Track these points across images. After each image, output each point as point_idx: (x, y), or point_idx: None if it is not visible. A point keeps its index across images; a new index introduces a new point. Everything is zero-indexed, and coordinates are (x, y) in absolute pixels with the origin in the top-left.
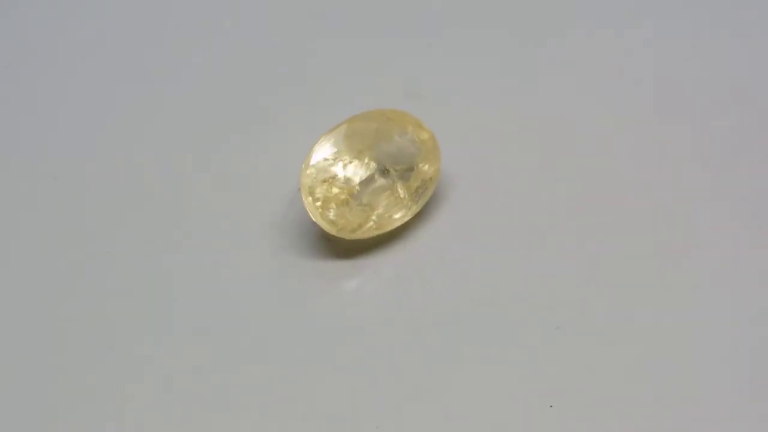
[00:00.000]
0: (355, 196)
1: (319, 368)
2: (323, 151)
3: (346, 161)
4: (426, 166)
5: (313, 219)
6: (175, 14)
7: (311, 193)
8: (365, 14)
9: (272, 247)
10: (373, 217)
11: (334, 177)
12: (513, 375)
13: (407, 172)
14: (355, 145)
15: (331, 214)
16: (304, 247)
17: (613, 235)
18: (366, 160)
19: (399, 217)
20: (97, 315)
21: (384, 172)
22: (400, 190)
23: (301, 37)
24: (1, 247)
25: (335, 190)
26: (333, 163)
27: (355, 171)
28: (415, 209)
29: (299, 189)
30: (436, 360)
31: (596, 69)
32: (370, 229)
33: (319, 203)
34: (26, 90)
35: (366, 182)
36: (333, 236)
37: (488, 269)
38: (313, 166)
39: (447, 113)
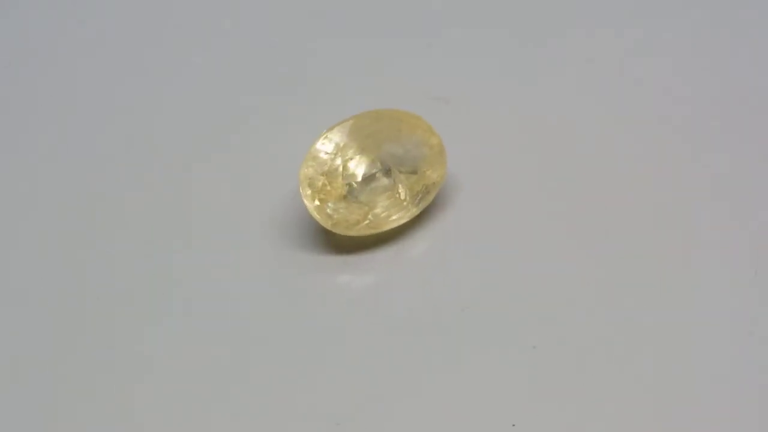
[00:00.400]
0: (354, 192)
1: (309, 365)
2: (327, 145)
3: (348, 156)
4: (431, 172)
5: (309, 211)
6: (175, 14)
7: (311, 185)
8: (365, 14)
9: (271, 245)
10: (370, 216)
11: (334, 171)
12: (482, 388)
13: (411, 174)
14: (360, 142)
15: (328, 208)
16: (302, 245)
17: (613, 239)
18: (370, 158)
19: (396, 218)
20: (97, 315)
21: (387, 172)
22: (401, 191)
23: (301, 37)
24: (1, 247)
25: (334, 184)
26: (335, 157)
27: (357, 167)
28: (415, 212)
29: (300, 187)
30: (408, 363)
31: (596, 69)
32: (365, 227)
33: (316, 195)
34: (26, 90)
35: (367, 180)
36: (331, 232)
37: (481, 277)
38: (314, 158)
39: (447, 113)
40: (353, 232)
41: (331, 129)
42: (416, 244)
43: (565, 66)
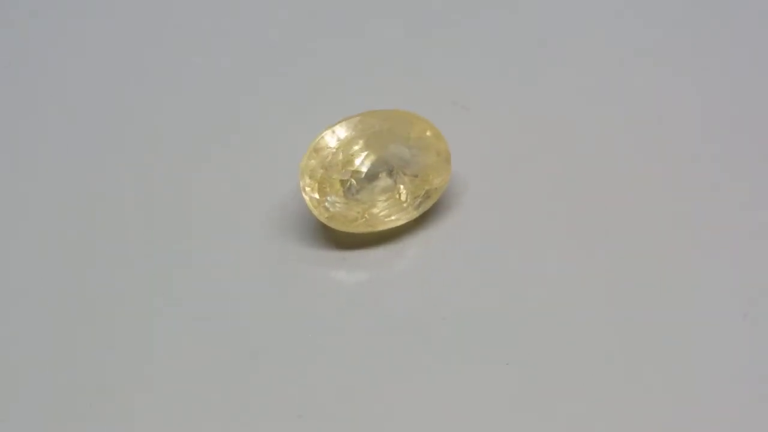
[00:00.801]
0: (353, 189)
1: (292, 360)
2: (331, 138)
3: (352, 152)
4: (435, 178)
5: (306, 202)
6: (175, 14)
7: (311, 176)
8: (365, 14)
9: (270, 243)
10: (366, 215)
11: (336, 165)
12: (451, 400)
13: (414, 178)
14: (367, 139)
15: (326, 202)
16: (300, 243)
17: (616, 246)
18: (375, 157)
19: (394, 218)
20: (97, 315)
21: (391, 172)
22: (402, 193)
23: (301, 37)
24: (2, 248)
25: (335, 178)
26: (337, 151)
27: (362, 164)
28: (414, 214)
29: (299, 177)
30: (379, 365)
31: (596, 69)
32: (362, 224)
33: (316, 187)
34: (26, 90)
35: (369, 178)
36: (331, 231)
37: (470, 286)
38: (317, 150)
39: (448, 113)
40: (349, 229)
41: (338, 123)
42: (415, 246)
43: (567, 67)
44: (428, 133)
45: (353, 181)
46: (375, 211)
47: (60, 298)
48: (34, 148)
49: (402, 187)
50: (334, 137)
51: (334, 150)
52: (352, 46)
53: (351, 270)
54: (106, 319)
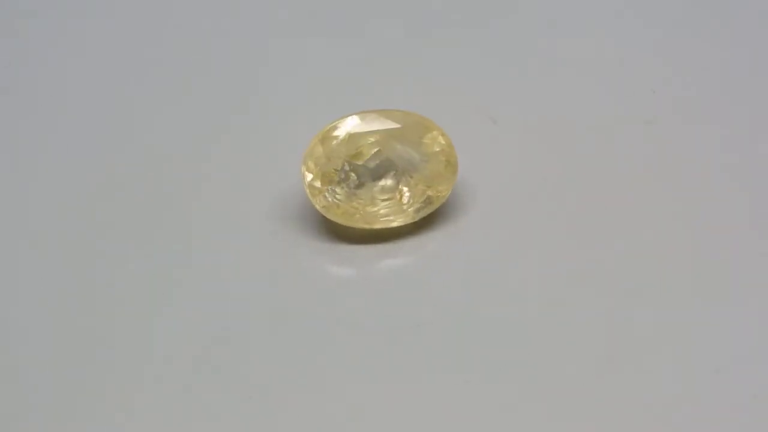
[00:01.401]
0: (352, 184)
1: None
2: (341, 129)
3: (361, 146)
4: (439, 184)
5: (305, 188)
6: (175, 14)
7: (316, 163)
8: (365, 14)
9: (270, 242)
10: (361, 211)
11: (340, 156)
12: (425, 412)
13: (419, 183)
14: (378, 137)
15: (326, 192)
16: (299, 241)
17: (620, 257)
18: (384, 156)
19: (392, 219)
20: (97, 315)
21: (396, 174)
22: (405, 196)
23: (301, 37)
24: (2, 248)
25: (336, 169)
26: (343, 143)
27: (369, 161)
28: (413, 218)
29: (302, 164)
30: (340, 364)
31: (596, 69)
32: (359, 219)
33: (319, 175)
34: (26, 90)
35: (374, 176)
36: (332, 228)
37: (457, 295)
38: (324, 139)
39: (451, 115)
40: (346, 222)
41: (351, 115)
42: (410, 247)
43: (567, 67)
44: (441, 141)
45: (353, 175)
46: (373, 209)
47: (60, 298)
48: (34, 148)
49: (405, 189)
50: (344, 129)
51: (341, 141)
52: (352, 46)
53: (338, 265)
54: (106, 319)
